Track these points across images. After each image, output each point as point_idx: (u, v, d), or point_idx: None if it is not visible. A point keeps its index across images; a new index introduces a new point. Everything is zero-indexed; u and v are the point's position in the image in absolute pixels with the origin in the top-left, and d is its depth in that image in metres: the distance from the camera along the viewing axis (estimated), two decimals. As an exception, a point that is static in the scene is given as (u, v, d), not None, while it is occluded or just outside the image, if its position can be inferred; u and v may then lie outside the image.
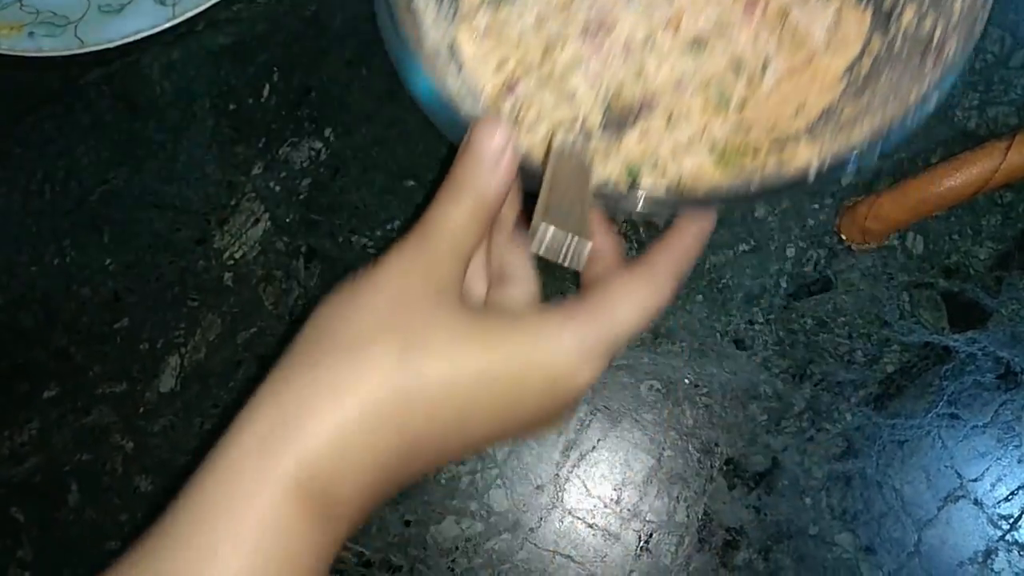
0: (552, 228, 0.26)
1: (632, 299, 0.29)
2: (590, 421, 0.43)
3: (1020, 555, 0.40)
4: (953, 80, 0.31)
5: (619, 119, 0.39)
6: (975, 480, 0.41)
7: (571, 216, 0.27)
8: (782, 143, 0.38)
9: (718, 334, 0.44)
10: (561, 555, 0.41)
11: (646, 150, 0.39)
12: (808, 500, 0.41)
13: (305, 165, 0.46)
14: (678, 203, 0.33)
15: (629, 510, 0.42)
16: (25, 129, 0.49)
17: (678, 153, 0.39)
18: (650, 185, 0.36)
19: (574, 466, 0.42)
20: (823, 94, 0.39)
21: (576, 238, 0.26)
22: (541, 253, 0.27)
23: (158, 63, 0.49)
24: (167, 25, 0.46)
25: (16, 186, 0.46)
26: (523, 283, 0.32)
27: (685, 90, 0.40)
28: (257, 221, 0.46)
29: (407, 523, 0.42)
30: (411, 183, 0.46)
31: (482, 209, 0.29)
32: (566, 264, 0.27)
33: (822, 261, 0.44)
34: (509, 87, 0.40)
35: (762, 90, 0.41)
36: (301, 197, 0.46)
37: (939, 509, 0.41)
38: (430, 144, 0.47)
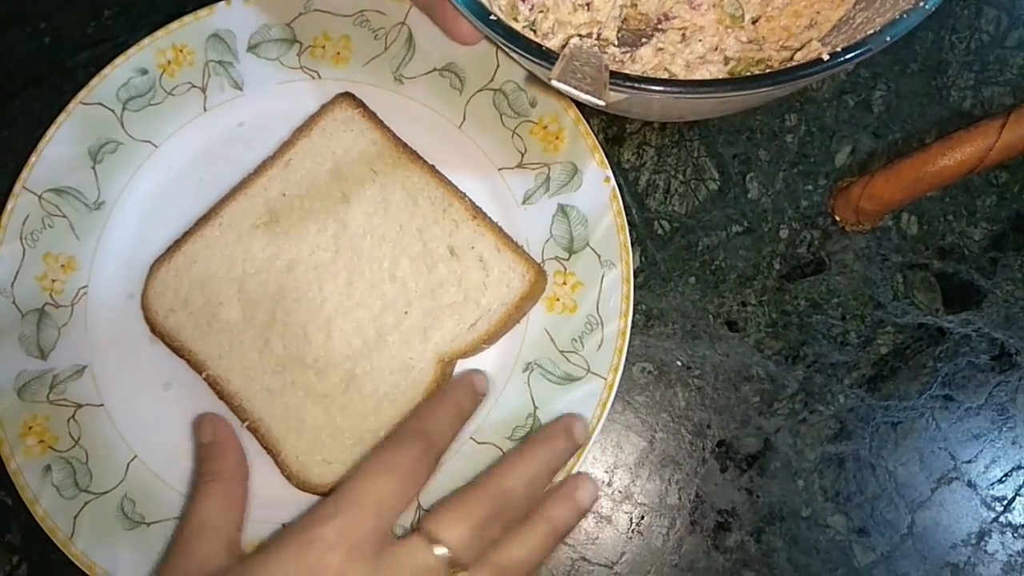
0: (566, 86, 0.30)
1: None
2: (582, 404, 0.43)
3: (1013, 536, 0.40)
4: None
5: (634, 34, 0.39)
6: (969, 462, 0.41)
7: (586, 79, 0.30)
8: (794, 53, 0.37)
9: (711, 316, 0.43)
10: (552, 538, 0.41)
11: (660, 64, 0.38)
12: (801, 482, 0.41)
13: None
14: (693, 88, 0.32)
15: (621, 492, 0.41)
16: (12, 112, 0.49)
17: (692, 66, 0.38)
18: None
19: (565, 449, 0.42)
20: (837, 7, 0.39)
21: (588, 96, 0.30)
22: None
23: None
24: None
25: (4, 168, 0.46)
26: None
27: (700, 5, 0.40)
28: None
29: (397, 506, 0.42)
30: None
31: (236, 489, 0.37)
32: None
33: (816, 242, 0.44)
34: None
35: (776, 4, 0.40)
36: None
37: (932, 491, 0.41)
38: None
